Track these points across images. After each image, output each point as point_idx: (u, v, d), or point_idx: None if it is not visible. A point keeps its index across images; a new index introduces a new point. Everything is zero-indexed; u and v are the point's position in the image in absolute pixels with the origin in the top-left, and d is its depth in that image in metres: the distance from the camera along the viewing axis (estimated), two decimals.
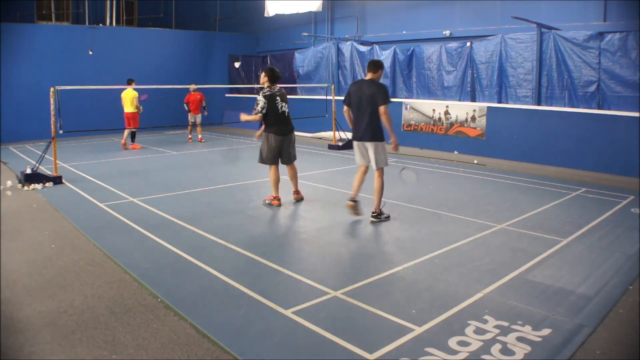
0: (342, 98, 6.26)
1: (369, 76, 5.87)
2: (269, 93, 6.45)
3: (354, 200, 6.00)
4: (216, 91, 17.71)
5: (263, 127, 6.66)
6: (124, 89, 12.20)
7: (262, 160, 6.68)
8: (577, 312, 3.61)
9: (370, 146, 5.84)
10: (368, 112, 5.73)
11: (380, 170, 5.89)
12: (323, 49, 15.61)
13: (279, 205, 6.65)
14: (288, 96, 6.81)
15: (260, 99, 6.39)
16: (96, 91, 13.37)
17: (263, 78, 6.60)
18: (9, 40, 13.93)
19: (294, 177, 6.91)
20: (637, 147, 8.68)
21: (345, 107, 6.01)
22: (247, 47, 19.20)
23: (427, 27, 13.44)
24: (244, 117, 6.76)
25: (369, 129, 5.77)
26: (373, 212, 5.95)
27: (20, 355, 3.06)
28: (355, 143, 5.99)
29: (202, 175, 8.96)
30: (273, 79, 6.54)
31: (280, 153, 6.63)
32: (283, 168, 6.84)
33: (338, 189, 7.68)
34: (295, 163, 6.92)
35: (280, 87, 6.65)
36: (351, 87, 5.99)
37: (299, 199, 6.93)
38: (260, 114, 6.42)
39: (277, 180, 6.67)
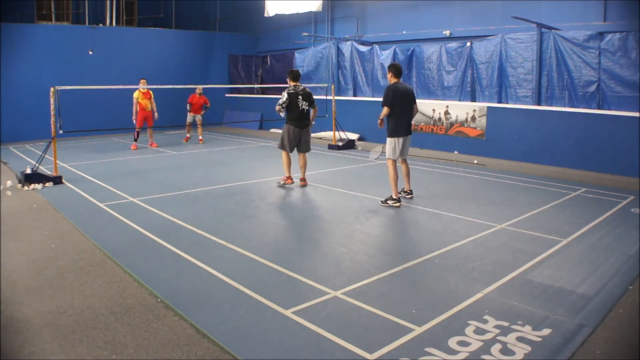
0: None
1: (397, 80, 6.65)
2: (292, 92, 7.58)
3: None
4: (216, 91, 17.71)
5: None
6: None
7: (282, 146, 7.71)
8: (577, 312, 3.61)
9: (409, 139, 6.79)
10: (410, 111, 6.70)
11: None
12: (323, 49, 15.61)
13: (292, 183, 7.77)
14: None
15: (285, 95, 7.53)
16: (96, 91, 13.36)
17: (288, 80, 7.78)
18: (9, 40, 13.93)
19: (304, 166, 7.86)
20: (637, 147, 8.68)
21: (387, 109, 6.52)
22: (247, 47, 19.21)
23: (427, 27, 13.45)
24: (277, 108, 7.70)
25: (410, 124, 6.79)
26: (408, 192, 7.00)
27: (20, 355, 3.06)
28: (402, 139, 6.66)
29: (202, 175, 8.96)
30: (294, 78, 7.72)
31: (299, 142, 7.70)
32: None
33: (338, 189, 7.68)
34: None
35: (305, 87, 7.79)
36: (395, 91, 6.55)
37: (304, 185, 7.82)
38: (280, 107, 7.54)
39: (289, 163, 7.73)
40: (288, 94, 7.51)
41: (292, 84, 7.68)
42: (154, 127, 12.93)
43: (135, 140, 12.53)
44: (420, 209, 6.56)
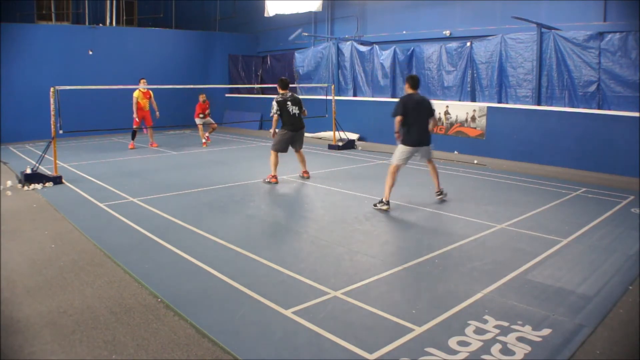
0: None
1: (414, 91, 6.64)
2: (281, 99, 7.96)
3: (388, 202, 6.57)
4: (216, 91, 17.70)
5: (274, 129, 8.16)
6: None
7: (275, 148, 8.13)
8: (577, 312, 3.61)
9: (428, 147, 6.83)
10: (424, 121, 6.68)
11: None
12: (323, 49, 15.61)
13: (277, 182, 8.06)
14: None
15: (274, 105, 7.95)
16: (96, 91, 13.35)
17: (278, 88, 8.16)
18: (9, 40, 13.93)
19: (303, 161, 8.49)
20: (637, 147, 8.68)
21: (399, 117, 6.49)
22: (247, 47, 19.20)
23: (427, 27, 13.44)
24: (272, 130, 8.16)
25: (428, 134, 6.79)
26: (438, 192, 6.99)
27: (20, 355, 3.06)
28: (410, 148, 6.61)
29: (202, 175, 8.96)
30: (283, 86, 8.12)
31: (293, 143, 8.21)
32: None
33: (338, 189, 7.68)
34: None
35: (293, 93, 8.22)
36: (407, 101, 6.55)
37: (307, 176, 8.44)
38: (276, 115, 7.96)
39: (276, 163, 8.10)
40: (277, 102, 7.92)
41: (281, 92, 8.07)
42: (153, 127, 12.91)
43: (133, 139, 12.51)
44: (420, 209, 6.55)
